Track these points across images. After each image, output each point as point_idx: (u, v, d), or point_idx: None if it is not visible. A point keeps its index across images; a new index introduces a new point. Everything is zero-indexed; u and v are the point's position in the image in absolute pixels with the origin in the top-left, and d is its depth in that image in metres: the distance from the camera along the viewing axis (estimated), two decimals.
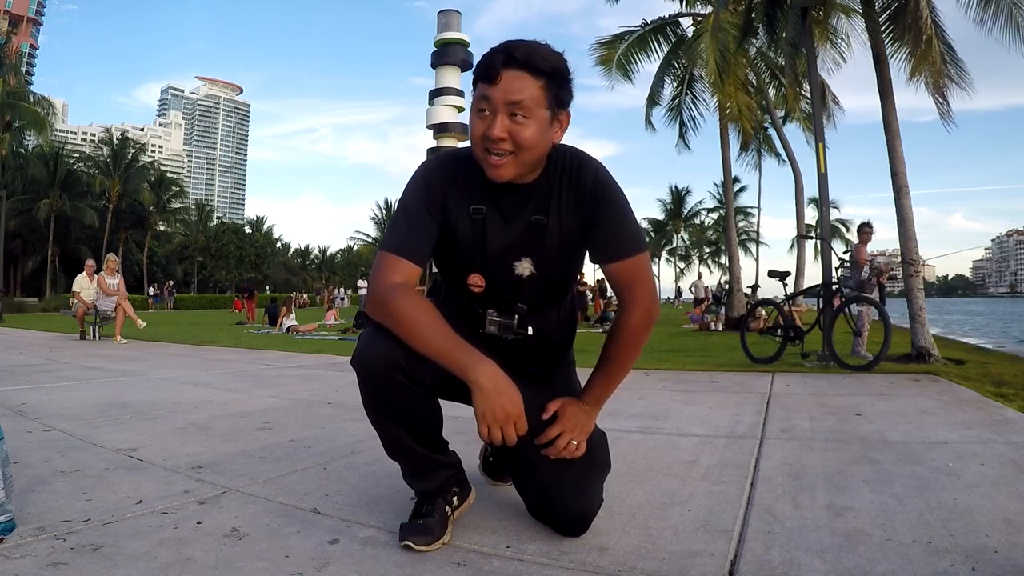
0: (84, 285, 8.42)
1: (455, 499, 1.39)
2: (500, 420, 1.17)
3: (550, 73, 1.20)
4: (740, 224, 42.28)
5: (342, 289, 36.74)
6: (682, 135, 13.94)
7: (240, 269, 49.18)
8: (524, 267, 1.32)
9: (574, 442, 1.31)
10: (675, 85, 13.78)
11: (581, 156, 1.32)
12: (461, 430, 2.44)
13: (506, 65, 1.18)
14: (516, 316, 1.37)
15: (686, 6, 13.08)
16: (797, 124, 15.20)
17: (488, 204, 1.30)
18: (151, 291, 34.37)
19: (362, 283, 28.03)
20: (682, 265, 53.86)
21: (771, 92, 14.15)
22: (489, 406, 1.16)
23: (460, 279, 1.36)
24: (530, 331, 1.39)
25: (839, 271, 5.57)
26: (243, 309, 14.87)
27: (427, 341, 1.18)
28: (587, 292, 19.56)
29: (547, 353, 1.48)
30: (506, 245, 1.31)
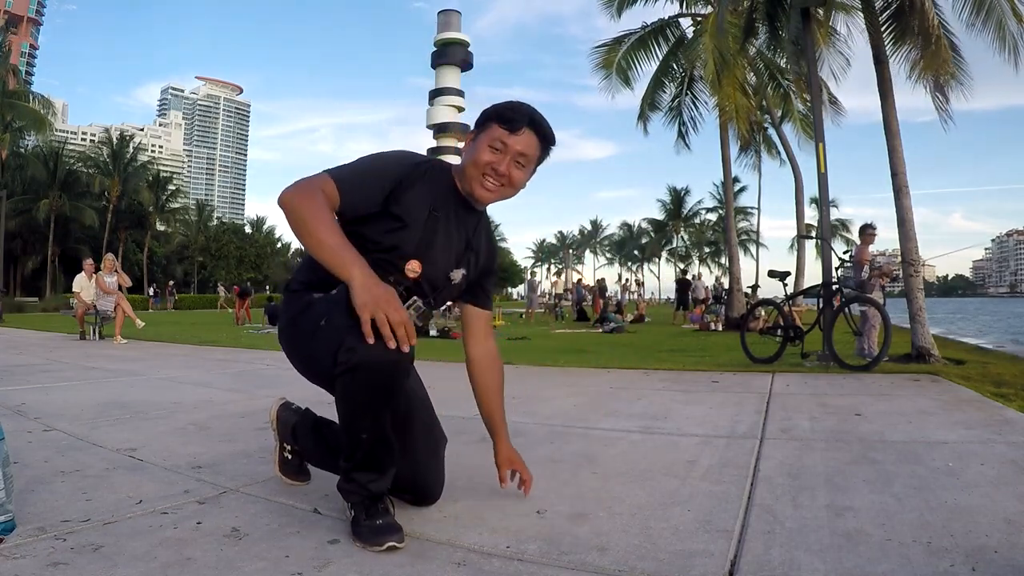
0: (84, 285, 8.42)
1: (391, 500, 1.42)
2: (383, 305, 1.20)
3: (549, 143, 1.49)
4: (740, 224, 42.29)
5: None
6: (682, 135, 13.99)
7: (240, 269, 49.07)
8: (457, 275, 1.51)
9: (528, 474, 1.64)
10: (675, 86, 13.79)
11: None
12: (461, 430, 2.44)
13: (530, 125, 1.44)
14: (430, 308, 1.52)
15: (686, 7, 13.08)
16: (792, 125, 15.18)
17: (443, 212, 1.46)
18: (151, 291, 34.33)
19: None
20: (682, 265, 53.87)
21: (769, 92, 14.16)
22: (371, 294, 1.20)
23: (400, 260, 1.41)
24: (432, 326, 1.54)
25: (839, 271, 5.57)
26: (241, 309, 14.80)
27: (324, 238, 1.27)
28: (587, 293, 19.56)
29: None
30: (451, 251, 1.49)
